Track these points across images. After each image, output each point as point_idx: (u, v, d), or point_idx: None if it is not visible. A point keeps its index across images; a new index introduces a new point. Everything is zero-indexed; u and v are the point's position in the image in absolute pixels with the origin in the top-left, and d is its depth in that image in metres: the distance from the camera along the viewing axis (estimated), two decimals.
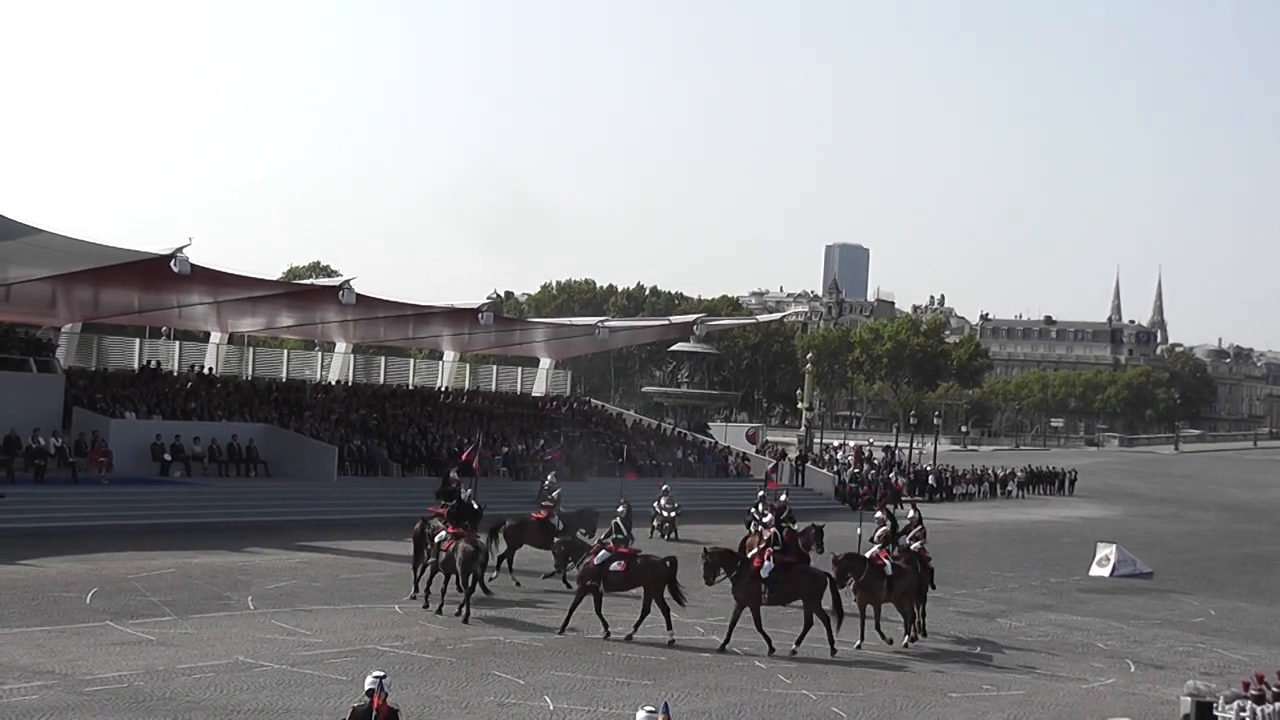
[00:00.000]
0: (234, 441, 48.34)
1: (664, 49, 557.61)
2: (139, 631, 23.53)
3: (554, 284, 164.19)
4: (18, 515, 37.40)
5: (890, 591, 27.01)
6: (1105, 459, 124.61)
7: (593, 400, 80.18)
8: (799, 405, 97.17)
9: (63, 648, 21.78)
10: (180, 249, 40.80)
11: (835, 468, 73.70)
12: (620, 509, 30.29)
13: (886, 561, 27.06)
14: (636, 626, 25.42)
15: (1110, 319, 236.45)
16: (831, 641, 25.09)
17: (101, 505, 40.11)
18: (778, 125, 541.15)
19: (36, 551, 32.42)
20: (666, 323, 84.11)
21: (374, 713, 12.96)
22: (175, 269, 40.87)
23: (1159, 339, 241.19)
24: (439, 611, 26.93)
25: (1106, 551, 42.48)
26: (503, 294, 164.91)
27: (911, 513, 30.41)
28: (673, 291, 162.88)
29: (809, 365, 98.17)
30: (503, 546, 31.98)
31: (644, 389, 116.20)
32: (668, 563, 25.89)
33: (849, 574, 26.61)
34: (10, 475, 40.44)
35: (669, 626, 25.23)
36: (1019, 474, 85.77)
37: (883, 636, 26.59)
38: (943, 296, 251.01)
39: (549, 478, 37.80)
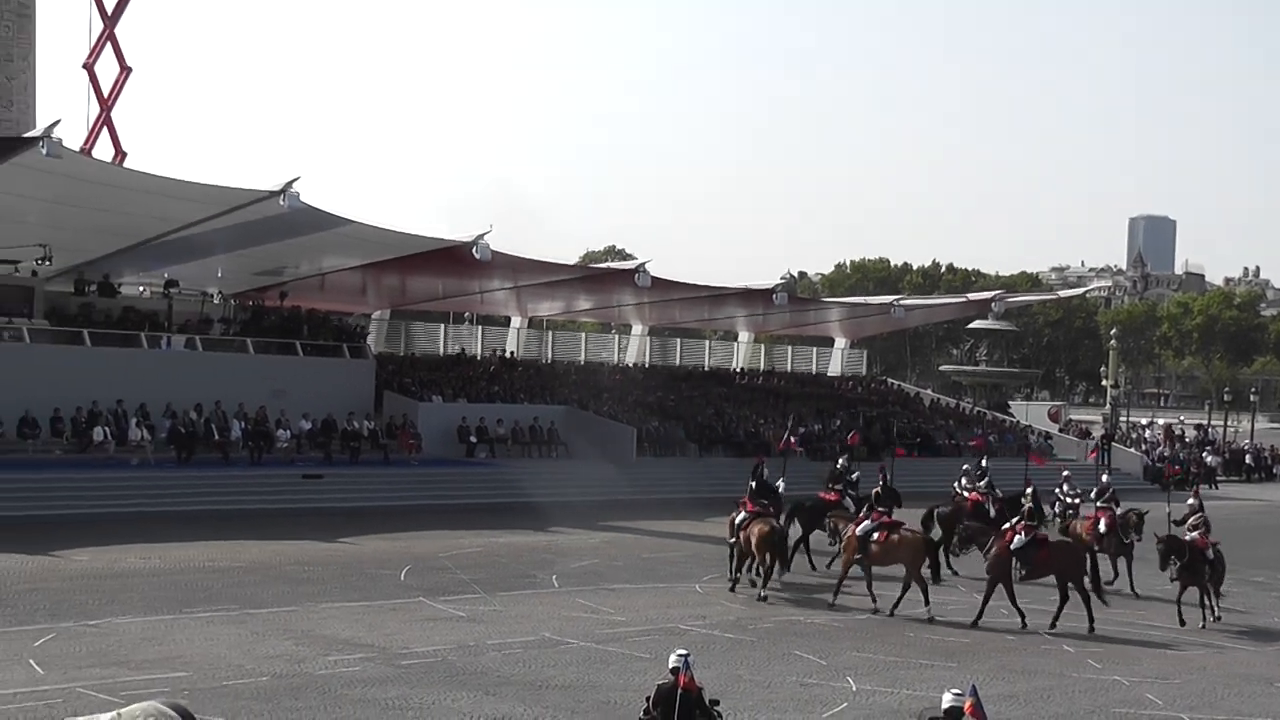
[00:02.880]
0: (535, 423, 49.40)
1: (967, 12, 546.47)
2: (450, 608, 24.24)
3: (848, 263, 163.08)
4: (335, 495, 39.16)
5: (1212, 576, 26.02)
6: None
7: (889, 380, 79.35)
8: (1103, 382, 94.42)
9: (380, 622, 22.61)
10: (481, 236, 41.93)
11: (1144, 446, 71.10)
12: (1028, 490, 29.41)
13: (1210, 546, 26.12)
14: (1057, 618, 24.64)
15: None
16: (1090, 619, 24.50)
17: (412, 486, 41.59)
18: (1080, 93, 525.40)
19: (353, 530, 33.81)
20: (964, 300, 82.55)
21: (679, 691, 12.96)
22: (476, 256, 42.08)
23: None
24: (732, 589, 27.06)
25: None
26: (796, 274, 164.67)
27: (1192, 500, 29.09)
28: (969, 268, 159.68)
29: (1113, 341, 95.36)
30: (798, 529, 31.58)
31: (941, 367, 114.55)
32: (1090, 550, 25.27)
33: (1172, 556, 25.70)
34: (327, 457, 42.27)
35: (1090, 618, 24.57)
36: None
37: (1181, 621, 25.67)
38: (1258, 268, 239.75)
39: (841, 460, 37.34)
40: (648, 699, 13.30)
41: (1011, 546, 25.03)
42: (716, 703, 13.51)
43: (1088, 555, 25.27)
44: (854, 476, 34.47)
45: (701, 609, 25.43)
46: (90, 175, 37.86)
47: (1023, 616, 24.63)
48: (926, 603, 25.17)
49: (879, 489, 28.57)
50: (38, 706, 16.25)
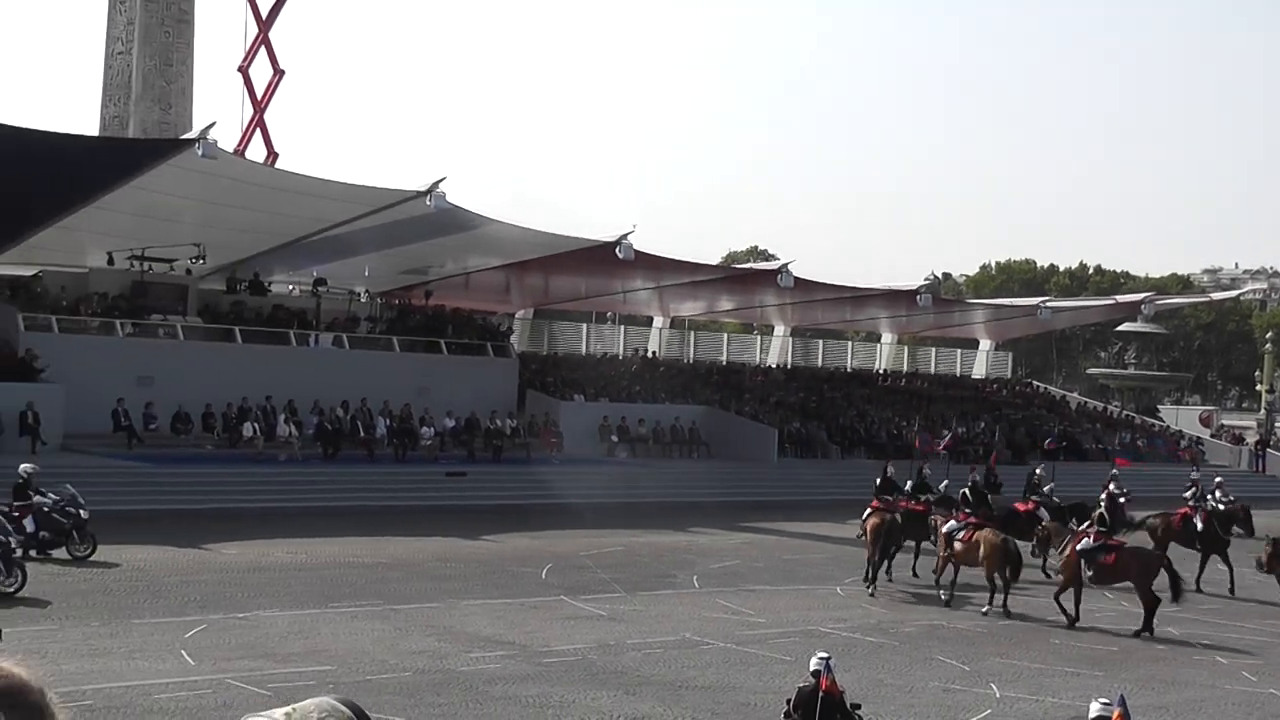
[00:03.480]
0: (676, 423, 49.45)
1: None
2: (591, 607, 24.32)
3: (993, 264, 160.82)
4: (478, 493, 39.54)
5: None
6: None
7: (1034, 382, 78.19)
8: (1258, 387, 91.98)
9: (521, 620, 22.75)
10: (624, 236, 42.11)
11: None
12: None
13: None
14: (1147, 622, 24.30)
15: None
16: (1149, 626, 23.94)
17: (553, 484, 41.72)
18: (1233, 89, 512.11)
19: (495, 528, 34.08)
20: (1112, 302, 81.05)
21: (821, 694, 12.86)
22: (619, 255, 42.30)
23: None
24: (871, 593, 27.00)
25: None
26: (940, 275, 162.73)
27: None
28: (1118, 270, 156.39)
29: (1269, 345, 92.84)
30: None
31: (1088, 371, 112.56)
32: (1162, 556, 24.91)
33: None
34: (471, 455, 42.68)
35: (1149, 625, 24.04)
36: None
37: None
38: None
39: (1038, 470, 36.81)
40: (788, 701, 13.22)
41: (1078, 549, 24.92)
42: (858, 706, 13.40)
43: (1160, 563, 24.69)
44: (1049, 487, 34.29)
45: (842, 611, 25.24)
46: (243, 176, 38.71)
47: (1077, 618, 24.47)
48: (990, 602, 25.35)
49: (967, 489, 28.43)
50: (188, 697, 16.60)
